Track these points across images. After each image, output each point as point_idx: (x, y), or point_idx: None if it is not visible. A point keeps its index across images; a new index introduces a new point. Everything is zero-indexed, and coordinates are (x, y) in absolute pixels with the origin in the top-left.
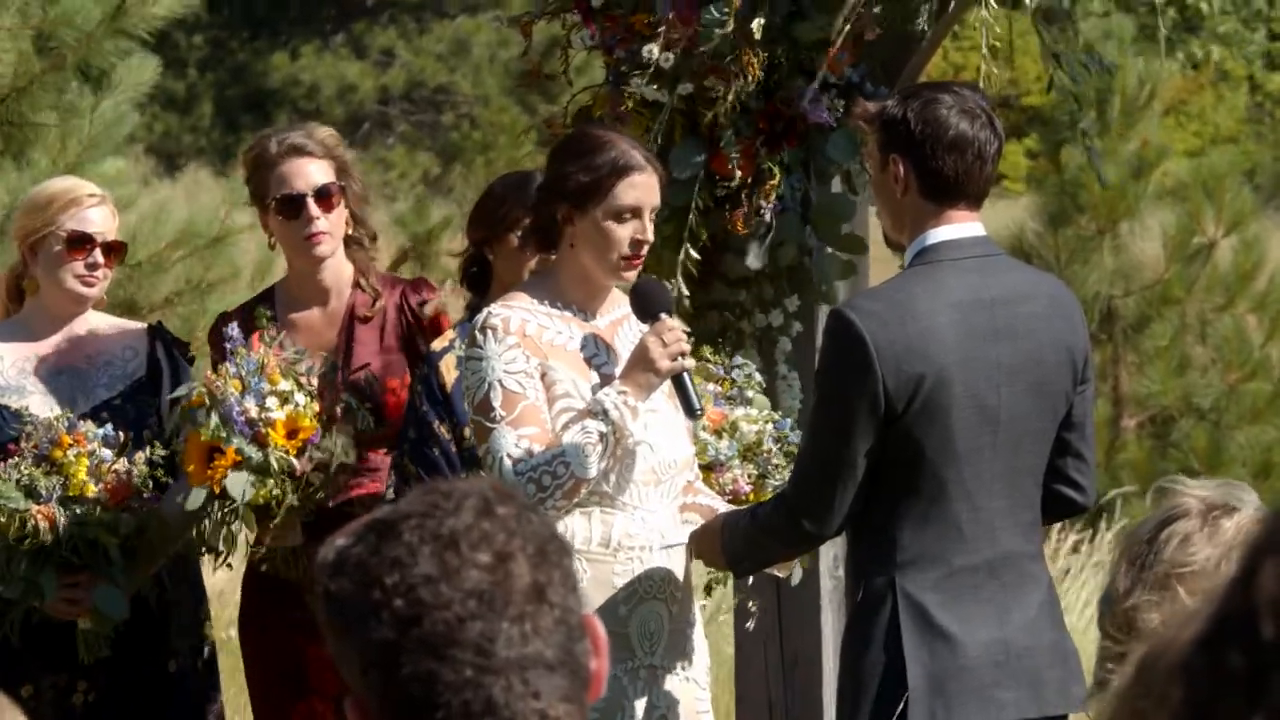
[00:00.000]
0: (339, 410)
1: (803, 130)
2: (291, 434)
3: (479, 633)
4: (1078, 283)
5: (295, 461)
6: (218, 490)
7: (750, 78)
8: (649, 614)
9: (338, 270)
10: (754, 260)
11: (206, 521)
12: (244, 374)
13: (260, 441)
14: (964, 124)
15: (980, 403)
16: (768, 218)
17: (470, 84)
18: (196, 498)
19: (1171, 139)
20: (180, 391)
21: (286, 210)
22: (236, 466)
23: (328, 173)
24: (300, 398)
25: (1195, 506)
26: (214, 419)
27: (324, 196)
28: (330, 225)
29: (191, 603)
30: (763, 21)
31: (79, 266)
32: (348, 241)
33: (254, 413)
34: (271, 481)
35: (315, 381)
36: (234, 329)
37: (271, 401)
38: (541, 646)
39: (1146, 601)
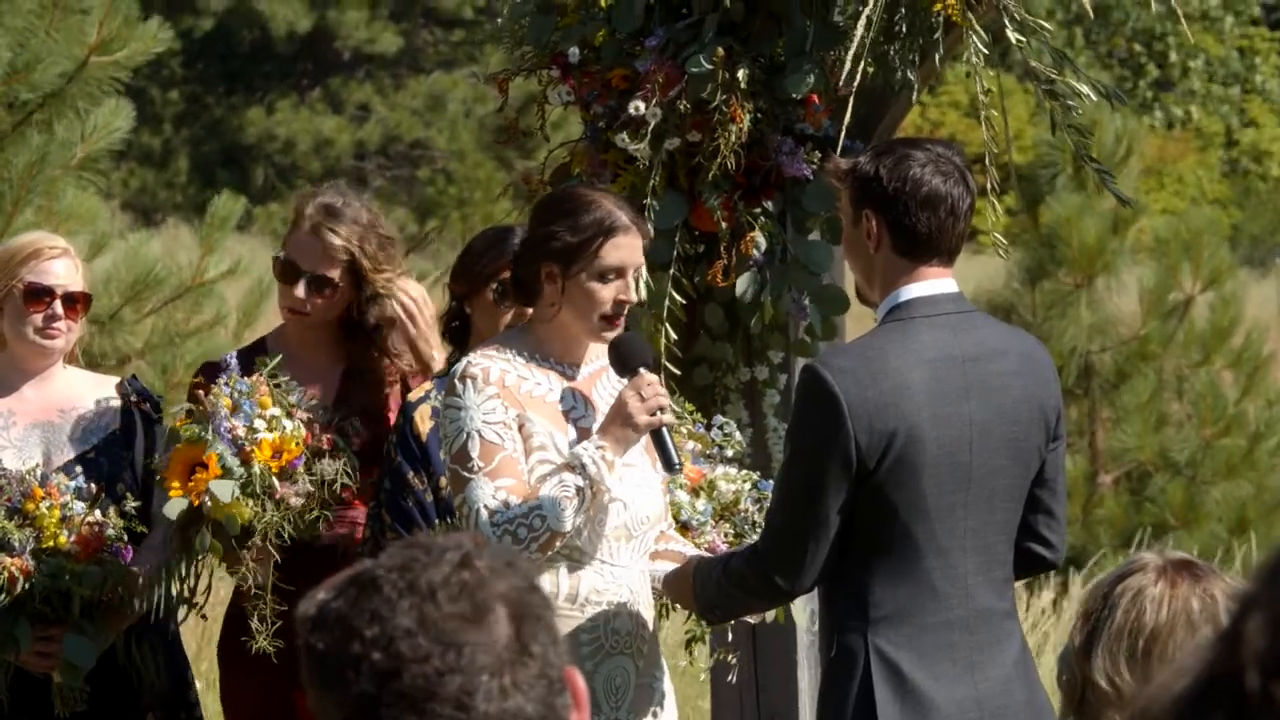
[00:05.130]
0: (327, 440)
1: (779, 182)
2: (276, 455)
3: (458, 687)
4: (1055, 338)
5: (276, 482)
6: (196, 503)
7: (739, 127)
8: (615, 669)
9: (330, 344)
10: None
11: (174, 562)
12: (235, 394)
13: (245, 459)
14: (937, 180)
15: (953, 460)
16: (755, 270)
17: (446, 139)
18: (175, 506)
19: (1152, 200)
20: (174, 409)
21: (282, 275)
22: (218, 480)
23: (333, 262)
24: (288, 424)
25: (1153, 562)
26: (200, 428)
27: (323, 286)
28: (311, 306)
29: (163, 657)
30: (748, 72)
31: (38, 319)
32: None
33: (241, 431)
34: (252, 502)
35: (304, 414)
36: (231, 358)
37: (259, 424)
38: (522, 701)
39: (1100, 657)
